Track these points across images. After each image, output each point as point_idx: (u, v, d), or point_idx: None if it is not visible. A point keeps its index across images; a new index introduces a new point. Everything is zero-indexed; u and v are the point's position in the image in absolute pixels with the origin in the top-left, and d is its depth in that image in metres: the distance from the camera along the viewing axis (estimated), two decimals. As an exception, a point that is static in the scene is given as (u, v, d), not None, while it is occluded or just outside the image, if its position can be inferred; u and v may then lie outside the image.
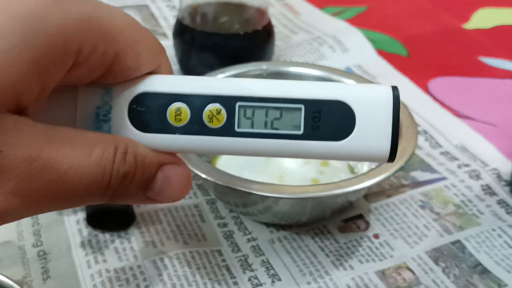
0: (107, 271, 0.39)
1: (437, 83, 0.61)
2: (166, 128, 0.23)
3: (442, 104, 0.58)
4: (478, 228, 0.44)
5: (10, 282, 0.35)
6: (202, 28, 0.56)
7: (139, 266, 0.40)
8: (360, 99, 0.23)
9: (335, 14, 0.74)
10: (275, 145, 0.23)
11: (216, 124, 0.23)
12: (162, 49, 0.24)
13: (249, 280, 0.39)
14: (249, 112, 0.23)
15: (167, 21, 0.72)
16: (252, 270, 0.40)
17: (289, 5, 0.77)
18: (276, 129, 0.23)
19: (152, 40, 0.24)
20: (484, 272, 0.40)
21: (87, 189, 0.21)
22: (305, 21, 0.73)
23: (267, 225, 0.44)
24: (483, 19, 0.74)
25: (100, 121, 0.24)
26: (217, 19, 0.56)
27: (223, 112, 0.23)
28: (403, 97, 0.48)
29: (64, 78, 0.21)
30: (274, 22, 0.60)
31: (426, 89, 0.60)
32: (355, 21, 0.72)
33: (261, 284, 0.39)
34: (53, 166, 0.20)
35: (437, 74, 0.63)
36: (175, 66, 0.62)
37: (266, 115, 0.23)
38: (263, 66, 0.51)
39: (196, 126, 0.23)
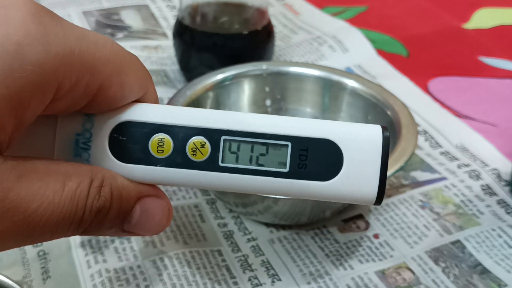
0: (107, 271, 0.39)
1: (437, 83, 0.61)
2: (147, 159, 0.23)
3: (442, 104, 0.58)
4: (478, 228, 0.44)
5: (10, 282, 0.35)
6: (202, 28, 0.56)
7: (139, 266, 0.40)
8: (349, 139, 0.23)
9: (335, 14, 0.74)
10: (259, 182, 0.23)
11: (199, 158, 0.23)
12: (148, 76, 0.24)
13: (249, 280, 0.39)
14: (234, 147, 0.23)
15: (167, 21, 0.72)
16: (252, 270, 0.40)
17: (289, 5, 0.77)
18: (261, 165, 0.23)
19: (138, 68, 0.23)
20: (484, 272, 0.40)
21: (57, 226, 0.20)
22: (305, 21, 0.73)
23: (267, 225, 0.44)
24: (483, 19, 0.74)
25: (80, 148, 0.23)
26: (217, 19, 0.56)
27: (207, 145, 0.23)
28: (403, 97, 0.48)
29: (43, 111, 0.20)
30: (274, 22, 0.60)
31: (426, 89, 0.60)
32: (355, 21, 0.72)
33: (261, 284, 0.39)
34: (21, 206, 0.19)
35: (437, 74, 0.63)
36: (175, 66, 0.62)
37: (252, 150, 0.23)
38: (263, 66, 0.51)
39: (179, 159, 0.23)
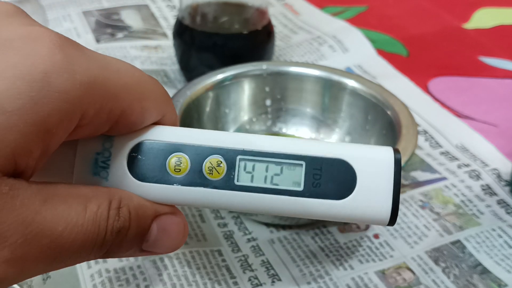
0: (107, 271, 0.39)
1: (437, 83, 0.61)
2: (164, 178, 0.23)
3: (442, 104, 0.58)
4: (478, 228, 0.44)
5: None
6: (202, 28, 0.56)
7: (139, 266, 0.40)
8: (362, 160, 0.23)
9: (335, 14, 0.74)
10: (274, 201, 0.23)
11: (215, 177, 0.23)
12: (168, 100, 0.24)
13: (249, 280, 0.39)
14: (249, 166, 0.23)
15: (167, 21, 0.72)
16: (252, 270, 0.40)
17: (289, 5, 0.77)
18: (276, 184, 0.23)
19: (158, 91, 0.24)
20: (484, 272, 0.40)
21: (82, 248, 0.21)
22: (305, 21, 0.73)
23: (267, 225, 0.44)
24: (483, 19, 0.74)
25: (99, 167, 0.23)
26: (217, 19, 0.56)
27: (223, 165, 0.23)
28: (403, 97, 0.48)
29: (68, 137, 0.21)
30: (274, 22, 0.60)
31: (426, 89, 0.60)
32: (355, 21, 0.72)
33: (261, 284, 0.39)
34: (48, 229, 0.20)
35: (437, 74, 0.63)
36: (175, 66, 0.62)
37: (267, 170, 0.23)
38: (263, 66, 0.51)
39: (196, 178, 0.23)
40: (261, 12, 0.57)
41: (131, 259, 0.40)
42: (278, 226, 0.43)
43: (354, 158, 0.23)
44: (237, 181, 0.23)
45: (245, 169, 0.23)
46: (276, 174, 0.23)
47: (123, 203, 0.22)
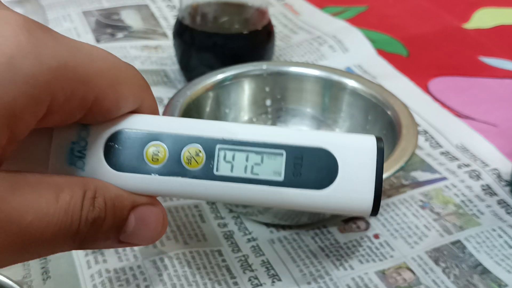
0: (107, 271, 0.39)
1: (437, 83, 0.61)
2: (142, 167, 0.23)
3: (442, 104, 0.58)
4: (478, 228, 0.44)
5: (10, 282, 0.35)
6: (202, 28, 0.56)
7: (139, 266, 0.40)
8: (344, 148, 0.23)
9: (335, 14, 0.74)
10: (254, 191, 0.23)
11: (194, 166, 0.23)
12: (145, 87, 0.24)
13: (249, 280, 0.39)
14: (229, 156, 0.23)
15: (167, 21, 0.72)
16: (252, 270, 0.40)
17: (289, 5, 0.77)
18: (256, 174, 0.22)
19: (134, 78, 0.23)
20: (484, 272, 0.40)
21: (54, 238, 0.20)
22: (305, 21, 0.73)
23: (267, 225, 0.44)
24: (483, 19, 0.74)
25: (74, 157, 0.23)
26: (217, 19, 0.56)
27: (202, 154, 0.23)
28: (403, 97, 0.48)
29: (38, 124, 0.20)
30: (274, 22, 0.60)
31: (426, 89, 0.60)
32: (355, 21, 0.72)
33: (261, 284, 0.39)
34: (16, 218, 0.19)
35: (437, 74, 0.63)
36: (175, 66, 0.62)
37: (247, 160, 0.23)
38: (263, 66, 0.51)
39: (173, 167, 0.23)
40: (261, 12, 0.57)
41: (131, 259, 0.40)
42: (278, 226, 0.43)
43: (336, 146, 0.23)
44: (217, 170, 0.23)
45: (224, 158, 0.23)
46: (257, 164, 0.23)
47: (98, 193, 0.22)
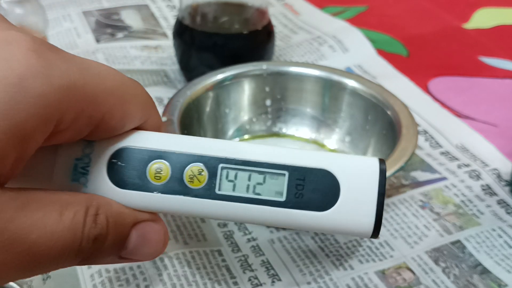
0: (107, 271, 0.39)
1: (437, 83, 0.61)
2: (144, 185, 0.23)
3: (442, 104, 0.58)
4: (478, 228, 0.44)
5: (10, 282, 0.35)
6: (202, 28, 0.56)
7: (139, 266, 0.40)
8: (346, 170, 0.23)
9: (335, 14, 0.74)
10: (256, 211, 0.23)
11: (196, 185, 0.23)
12: (150, 103, 0.24)
13: (249, 280, 0.39)
14: (231, 175, 0.23)
15: (167, 21, 0.72)
16: (252, 270, 0.40)
17: (289, 5, 0.77)
18: (258, 194, 0.23)
19: (141, 95, 0.23)
20: (484, 272, 0.40)
21: (58, 255, 0.20)
22: (305, 21, 0.73)
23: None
24: (483, 19, 0.74)
25: (78, 173, 0.23)
26: (217, 19, 0.56)
27: (205, 173, 0.23)
28: (403, 97, 0.48)
29: (45, 142, 0.21)
30: (274, 22, 0.60)
31: (426, 89, 0.60)
32: (355, 21, 0.72)
33: (261, 284, 0.39)
34: (22, 237, 0.19)
35: (437, 74, 0.63)
36: (175, 66, 0.62)
37: (249, 179, 0.23)
38: (263, 66, 0.51)
39: (176, 186, 0.23)
40: (261, 12, 0.57)
41: (131, 259, 0.40)
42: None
43: (338, 168, 0.23)
44: (219, 190, 0.23)
45: (227, 177, 0.23)
46: (259, 184, 0.23)
47: (100, 210, 0.22)
